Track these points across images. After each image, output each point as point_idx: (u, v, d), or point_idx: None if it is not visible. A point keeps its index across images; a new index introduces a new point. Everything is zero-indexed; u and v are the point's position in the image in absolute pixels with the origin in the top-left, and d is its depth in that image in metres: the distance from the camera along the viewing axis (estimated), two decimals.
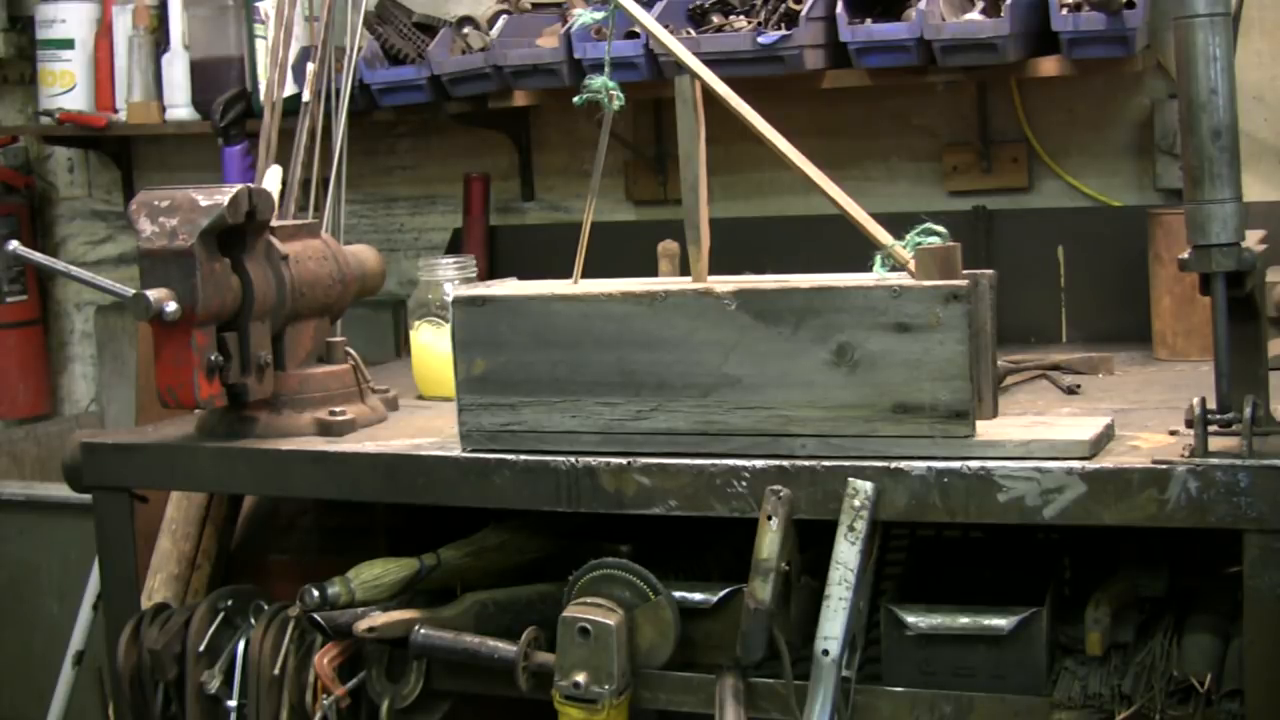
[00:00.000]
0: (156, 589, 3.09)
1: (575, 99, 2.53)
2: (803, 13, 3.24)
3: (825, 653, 2.31)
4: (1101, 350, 3.19)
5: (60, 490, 3.44)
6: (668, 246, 2.88)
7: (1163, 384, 2.90)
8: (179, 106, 4.19)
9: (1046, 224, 3.55)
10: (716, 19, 3.43)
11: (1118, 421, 2.44)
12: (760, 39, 3.24)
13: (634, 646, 2.48)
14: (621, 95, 2.51)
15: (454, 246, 4.06)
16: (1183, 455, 2.21)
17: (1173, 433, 2.38)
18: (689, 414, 2.43)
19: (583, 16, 2.73)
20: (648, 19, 2.56)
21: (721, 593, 2.50)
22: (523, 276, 2.81)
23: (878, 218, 2.39)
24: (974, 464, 2.27)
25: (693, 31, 3.41)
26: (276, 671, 2.72)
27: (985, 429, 2.32)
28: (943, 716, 2.36)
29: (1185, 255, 2.23)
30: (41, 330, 4.76)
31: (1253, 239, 2.27)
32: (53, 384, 4.82)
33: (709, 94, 2.44)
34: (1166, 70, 3.40)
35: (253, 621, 2.80)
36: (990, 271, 2.42)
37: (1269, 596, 2.15)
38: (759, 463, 2.38)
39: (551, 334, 2.49)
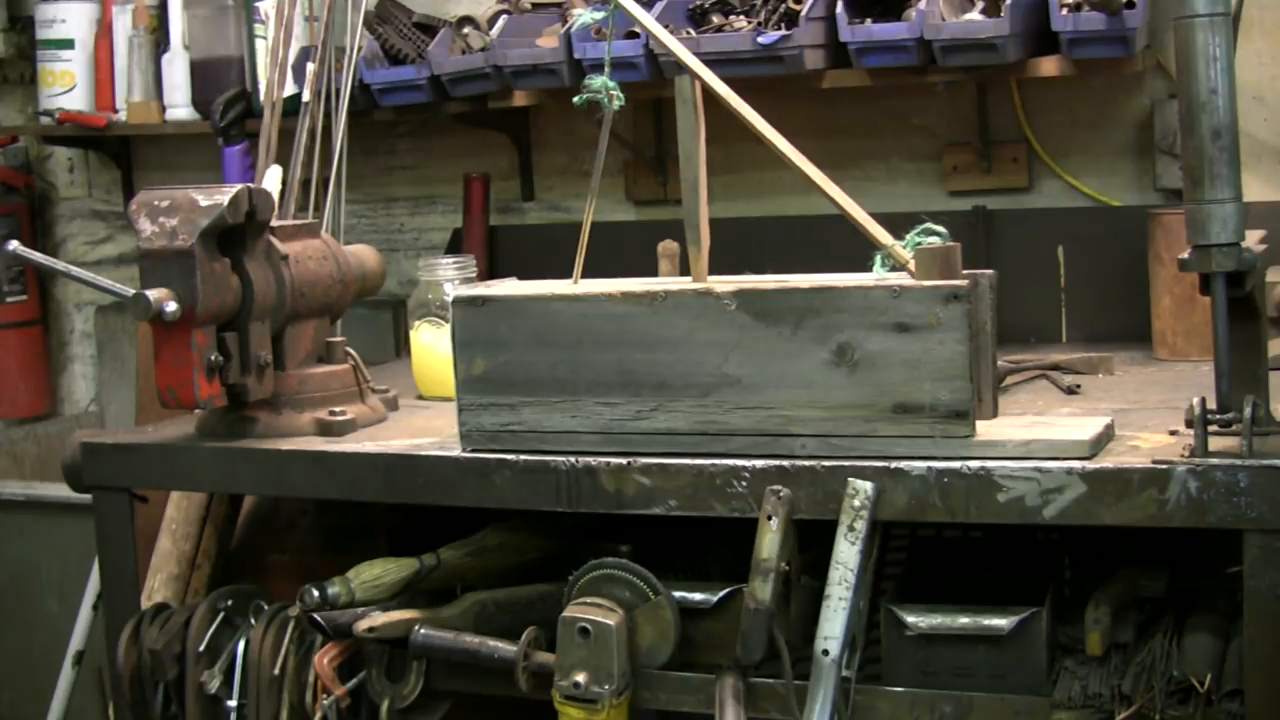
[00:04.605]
0: (156, 589, 3.09)
1: (575, 99, 2.53)
2: (803, 13, 3.24)
3: (825, 653, 2.31)
4: (1101, 350, 3.19)
5: (60, 490, 3.43)
6: (668, 246, 2.87)
7: (1163, 384, 2.90)
8: (179, 106, 4.18)
9: (1046, 224, 3.54)
10: (716, 19, 3.43)
11: (1118, 421, 2.44)
12: (760, 39, 3.24)
13: (634, 646, 2.48)
14: (621, 95, 2.51)
15: (454, 246, 4.05)
16: (1183, 455, 2.21)
17: (1173, 433, 2.38)
18: (689, 414, 2.43)
19: (583, 16, 2.72)
20: (648, 19, 2.56)
21: (721, 593, 2.50)
22: (523, 276, 2.80)
23: (878, 218, 2.39)
24: (974, 464, 2.27)
25: (693, 31, 3.40)
26: (276, 671, 2.73)
27: (985, 429, 2.32)
28: (943, 716, 2.36)
29: (1185, 255, 2.23)
30: (41, 330, 4.75)
31: (1253, 239, 2.27)
32: (53, 384, 4.82)
33: (709, 94, 2.44)
34: (1166, 70, 3.40)
35: (253, 621, 2.80)
36: (990, 271, 2.42)
37: (1269, 596, 2.15)
38: (759, 463, 2.38)
39: (551, 334, 2.49)
